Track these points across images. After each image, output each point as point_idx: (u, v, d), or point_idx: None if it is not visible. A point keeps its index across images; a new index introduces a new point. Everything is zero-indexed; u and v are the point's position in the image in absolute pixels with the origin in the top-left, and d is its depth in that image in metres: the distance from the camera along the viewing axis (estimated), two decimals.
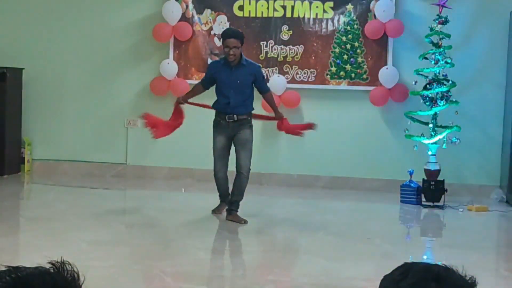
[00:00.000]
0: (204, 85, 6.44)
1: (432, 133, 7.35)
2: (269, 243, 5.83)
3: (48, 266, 1.32)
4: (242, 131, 6.18)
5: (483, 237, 6.15)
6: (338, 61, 8.01)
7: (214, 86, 6.30)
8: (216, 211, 6.43)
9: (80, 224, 5.90)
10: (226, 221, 6.23)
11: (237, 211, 6.23)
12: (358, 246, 5.47)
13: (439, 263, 1.42)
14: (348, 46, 8.00)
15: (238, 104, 6.14)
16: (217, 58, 8.06)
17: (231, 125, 6.15)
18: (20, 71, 8.45)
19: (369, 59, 7.96)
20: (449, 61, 7.31)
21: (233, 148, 6.27)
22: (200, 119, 8.45)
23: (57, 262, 1.32)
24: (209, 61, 8.16)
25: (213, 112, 6.33)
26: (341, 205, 7.49)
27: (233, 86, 6.15)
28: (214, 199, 6.44)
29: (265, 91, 6.40)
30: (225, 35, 6.22)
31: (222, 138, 6.20)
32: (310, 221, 6.51)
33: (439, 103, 7.28)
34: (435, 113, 7.34)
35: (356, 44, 7.98)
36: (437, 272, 1.35)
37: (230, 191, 6.34)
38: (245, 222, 6.13)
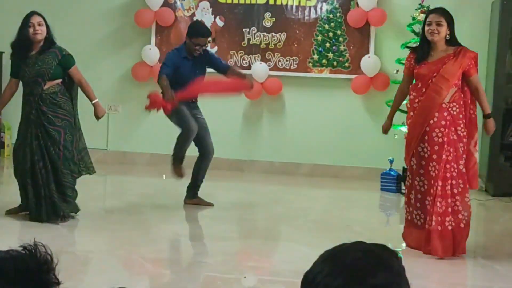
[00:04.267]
0: (169, 73, 6.02)
1: None
2: (249, 230, 5.84)
3: (20, 249, 1.30)
4: (200, 114, 6.20)
5: None
6: (320, 49, 8.01)
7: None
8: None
9: None
10: (207, 208, 6.22)
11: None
12: (338, 233, 5.49)
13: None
14: (331, 34, 7.99)
15: None
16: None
17: (192, 105, 6.17)
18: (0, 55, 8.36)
19: (351, 47, 7.96)
20: None
21: None
22: None
23: (30, 245, 1.31)
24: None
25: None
26: (321, 192, 7.51)
27: (193, 77, 6.07)
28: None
29: (227, 67, 6.31)
30: (196, 33, 6.02)
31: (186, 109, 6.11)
32: (290, 208, 6.53)
33: None
34: None
35: (339, 32, 7.98)
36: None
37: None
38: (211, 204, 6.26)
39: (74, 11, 8.40)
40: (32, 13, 5.49)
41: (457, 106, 4.95)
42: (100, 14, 8.40)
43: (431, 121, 4.91)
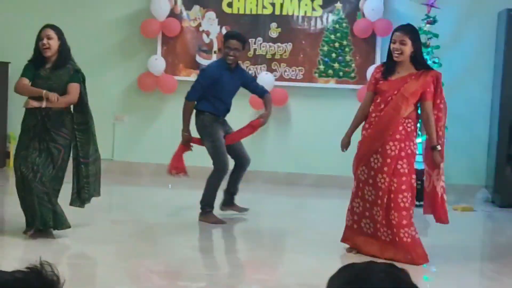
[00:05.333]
0: (196, 98, 6.06)
1: (418, 132, 7.34)
2: (255, 241, 5.81)
3: (26, 270, 1.28)
4: (230, 130, 6.24)
5: (468, 237, 6.16)
6: (326, 59, 8.00)
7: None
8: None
9: None
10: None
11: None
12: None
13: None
14: (337, 44, 7.99)
15: (230, 107, 6.22)
16: (204, 55, 8.04)
17: (225, 122, 6.21)
18: (6, 65, 8.37)
19: (357, 57, 7.95)
20: (437, 61, 7.32)
21: None
22: None
23: (35, 265, 1.28)
24: (198, 58, 8.12)
25: None
26: (328, 203, 7.48)
27: (233, 91, 6.15)
28: (200, 196, 6.38)
29: (264, 92, 6.33)
30: (228, 36, 6.13)
31: (222, 133, 6.14)
32: (297, 220, 6.51)
33: None
34: None
35: (345, 42, 7.97)
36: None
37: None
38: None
39: (80, 21, 8.41)
40: (45, 27, 5.46)
41: (412, 123, 4.95)
42: (107, 24, 8.42)
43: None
